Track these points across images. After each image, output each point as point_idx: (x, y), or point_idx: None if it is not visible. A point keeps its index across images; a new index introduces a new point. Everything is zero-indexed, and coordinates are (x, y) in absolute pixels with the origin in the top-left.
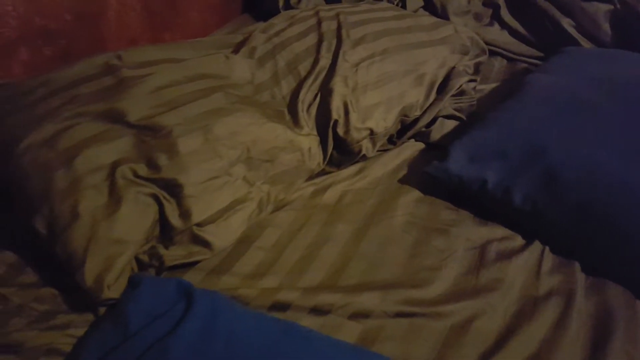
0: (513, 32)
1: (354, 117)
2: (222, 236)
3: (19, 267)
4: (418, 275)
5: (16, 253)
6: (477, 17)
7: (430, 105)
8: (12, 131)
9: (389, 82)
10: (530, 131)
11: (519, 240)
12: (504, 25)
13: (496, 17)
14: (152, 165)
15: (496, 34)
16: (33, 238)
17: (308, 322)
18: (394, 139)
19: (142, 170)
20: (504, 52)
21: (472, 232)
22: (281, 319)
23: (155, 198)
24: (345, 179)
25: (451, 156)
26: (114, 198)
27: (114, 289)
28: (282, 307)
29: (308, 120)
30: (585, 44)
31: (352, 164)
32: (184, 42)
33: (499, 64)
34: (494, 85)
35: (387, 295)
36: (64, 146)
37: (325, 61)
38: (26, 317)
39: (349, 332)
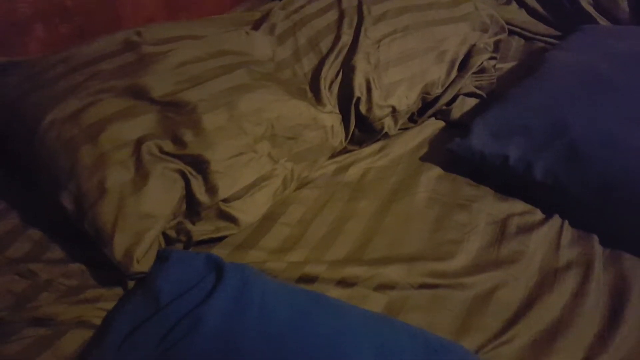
0: (531, 11)
1: (376, 94)
2: (248, 212)
3: (45, 243)
4: (441, 249)
5: (41, 230)
6: None
7: (452, 82)
8: (34, 108)
9: (410, 59)
10: (552, 107)
11: (539, 215)
12: (521, 3)
13: None
14: (177, 141)
15: (514, 12)
16: (58, 214)
17: (335, 293)
18: (415, 117)
19: (168, 146)
20: (522, 31)
21: (493, 207)
22: (310, 290)
23: (182, 174)
24: (367, 157)
25: (473, 133)
26: (141, 173)
27: (143, 263)
28: (310, 279)
29: (330, 98)
30: (603, 21)
31: (373, 142)
32: (202, 20)
33: (516, 43)
34: (512, 64)
35: (411, 267)
36: (89, 122)
37: (346, 38)
38: (55, 291)
39: (375, 303)
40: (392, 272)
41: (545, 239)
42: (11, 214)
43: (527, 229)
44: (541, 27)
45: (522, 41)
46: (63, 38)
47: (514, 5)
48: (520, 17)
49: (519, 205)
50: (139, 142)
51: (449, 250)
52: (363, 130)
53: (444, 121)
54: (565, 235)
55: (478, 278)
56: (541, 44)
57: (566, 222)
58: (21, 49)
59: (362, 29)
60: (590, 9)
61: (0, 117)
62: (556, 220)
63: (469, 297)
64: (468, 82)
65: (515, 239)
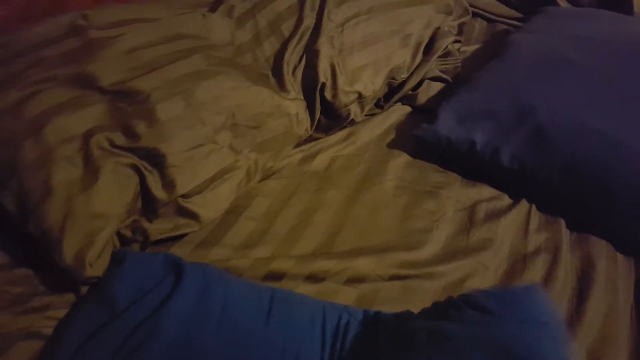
0: None
1: (341, 79)
2: (209, 207)
3: None
4: (410, 238)
5: None
6: None
7: (417, 67)
8: None
9: (375, 42)
10: (517, 91)
11: (506, 200)
12: None
13: None
14: (130, 133)
15: None
16: (1, 215)
17: (304, 289)
18: (381, 103)
19: (119, 139)
20: (485, 13)
21: (461, 194)
22: (276, 287)
23: (136, 169)
24: (334, 145)
25: (440, 118)
26: (90, 170)
27: (96, 267)
28: (277, 276)
29: (294, 84)
30: (563, 4)
31: (340, 129)
32: (154, 2)
33: (479, 25)
34: (475, 46)
35: (381, 259)
36: (31, 114)
37: (309, 20)
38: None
39: (346, 297)
40: (362, 265)
41: (514, 225)
42: None
43: (495, 215)
44: (503, 9)
45: (485, 23)
46: (2, 22)
47: None
48: None
49: (486, 191)
50: (87, 136)
51: (418, 239)
52: (329, 117)
53: (410, 106)
54: (533, 220)
55: (448, 267)
56: (504, 26)
57: (533, 206)
58: None
59: (325, 11)
60: None
61: None
62: (523, 205)
63: (440, 287)
64: (433, 66)
65: (484, 226)
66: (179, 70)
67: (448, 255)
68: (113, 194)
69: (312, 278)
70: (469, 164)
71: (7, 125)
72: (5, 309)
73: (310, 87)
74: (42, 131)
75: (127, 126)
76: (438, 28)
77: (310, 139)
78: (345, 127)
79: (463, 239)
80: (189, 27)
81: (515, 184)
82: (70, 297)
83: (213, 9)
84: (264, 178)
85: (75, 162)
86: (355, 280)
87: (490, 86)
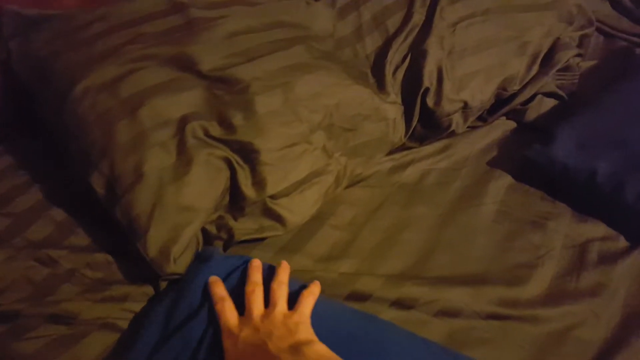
0: (615, 4)
1: (447, 85)
2: (296, 211)
3: (69, 226)
4: (511, 273)
5: (65, 209)
6: None
7: (532, 79)
8: (66, 71)
9: (489, 47)
10: None
11: (622, 242)
12: None
13: None
14: (225, 124)
15: (596, 4)
16: (86, 193)
17: (390, 315)
18: (484, 115)
19: (215, 129)
20: (602, 26)
21: (571, 228)
22: (362, 310)
23: (228, 162)
24: (428, 157)
25: (557, 140)
26: (184, 159)
27: (179, 262)
28: (362, 296)
29: (394, 86)
30: None
31: (436, 140)
32: None
33: (595, 39)
34: (592, 62)
35: (477, 293)
36: (128, 93)
37: (418, 17)
38: (77, 284)
39: (436, 332)
40: (456, 297)
41: (631, 272)
42: (33, 188)
43: (610, 258)
44: (625, 24)
45: (601, 37)
46: None
47: None
48: (603, 9)
49: (600, 229)
50: (182, 121)
51: (520, 275)
52: (426, 125)
53: (516, 122)
54: None
55: (554, 311)
56: (624, 43)
57: None
58: (55, 1)
59: (438, 8)
60: None
61: (29, 76)
62: None
63: (543, 333)
64: (549, 81)
65: (597, 269)
66: (280, 61)
67: (554, 297)
68: (203, 187)
69: (400, 304)
70: (583, 196)
71: (103, 102)
72: (83, 294)
73: (411, 90)
74: (138, 112)
75: (223, 116)
76: (558, 38)
77: (402, 148)
78: (442, 138)
79: (572, 281)
80: (291, 15)
81: (636, 226)
82: (149, 289)
83: None
84: (350, 185)
85: (169, 149)
86: (447, 313)
87: (621, 111)
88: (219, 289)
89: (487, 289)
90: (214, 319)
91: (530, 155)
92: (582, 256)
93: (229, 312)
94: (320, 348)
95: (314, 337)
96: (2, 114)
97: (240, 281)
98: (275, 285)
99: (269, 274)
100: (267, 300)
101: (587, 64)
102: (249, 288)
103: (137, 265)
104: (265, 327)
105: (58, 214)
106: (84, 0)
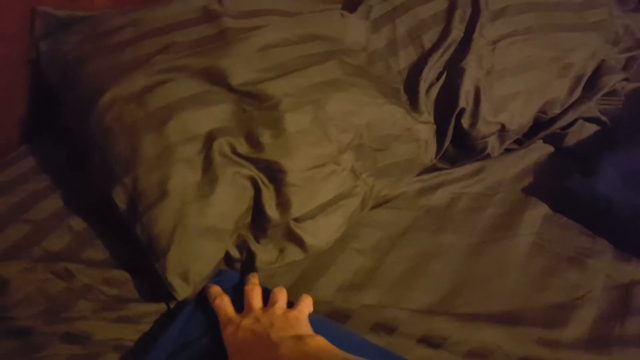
0: None
1: (485, 107)
2: (320, 236)
3: (86, 237)
4: (548, 313)
5: (85, 218)
6: None
7: (574, 103)
8: (94, 78)
9: (530, 68)
10: None
11: None
12: None
13: None
14: (253, 141)
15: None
16: (106, 204)
17: (416, 354)
18: (521, 138)
19: (242, 146)
20: None
21: (613, 268)
22: (387, 350)
23: (253, 182)
24: (459, 180)
25: (601, 172)
26: (209, 177)
27: (198, 287)
28: (388, 328)
29: (427, 104)
30: None
31: (468, 163)
32: None
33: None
34: (635, 85)
35: (511, 333)
36: (157, 105)
37: (456, 33)
38: (93, 300)
39: None
40: (488, 337)
41: None
42: (54, 195)
43: None
44: None
45: None
46: None
47: None
48: None
49: None
50: (209, 137)
51: (558, 316)
52: (459, 147)
53: (554, 146)
54: None
55: (597, 358)
56: None
57: None
58: (86, 2)
59: (478, 25)
60: None
61: (56, 79)
62: None
63: None
64: (592, 105)
65: None
66: (313, 77)
67: (597, 342)
68: (228, 208)
69: (427, 341)
70: (627, 234)
71: (130, 114)
72: (99, 312)
73: (445, 110)
74: (165, 126)
75: (252, 133)
76: (603, 60)
77: (431, 169)
78: (474, 160)
79: (615, 326)
80: (325, 28)
81: None
82: (164, 308)
83: (350, 8)
84: (375, 206)
85: (195, 166)
86: (478, 354)
87: None
88: (215, 288)
89: (522, 330)
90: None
91: (570, 186)
92: (626, 299)
93: (228, 305)
94: (322, 340)
95: (313, 333)
96: (28, 114)
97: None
98: (276, 289)
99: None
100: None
101: (631, 86)
102: (248, 287)
103: (154, 284)
104: (266, 318)
105: (77, 223)
106: (117, 0)
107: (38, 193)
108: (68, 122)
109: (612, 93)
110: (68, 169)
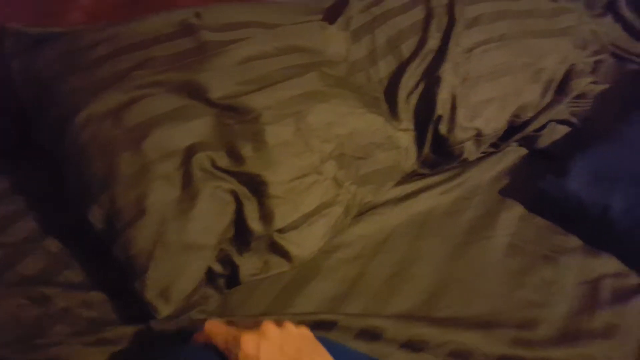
0: (628, 27)
1: (461, 113)
2: (304, 245)
3: (63, 258)
4: (523, 312)
5: (60, 239)
6: (590, 4)
7: (546, 106)
8: (69, 96)
9: (504, 74)
10: None
11: (634, 279)
12: (618, 17)
13: (612, 8)
14: (234, 155)
15: (607, 26)
16: (82, 223)
17: (400, 357)
18: (497, 142)
19: (222, 160)
20: (615, 49)
21: (583, 264)
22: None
23: (235, 195)
24: (439, 184)
25: (572, 172)
26: (189, 192)
27: (178, 307)
28: (373, 335)
29: (406, 112)
30: None
31: (447, 167)
32: (270, 3)
33: (606, 62)
34: (603, 86)
35: (488, 334)
36: (133, 122)
37: (433, 42)
38: (71, 324)
39: None
40: (468, 339)
41: None
42: (28, 216)
43: (622, 296)
44: (637, 46)
45: (612, 60)
46: (111, 8)
47: (609, 18)
48: (614, 32)
49: (612, 264)
50: (188, 152)
51: (532, 314)
52: (438, 153)
53: (528, 148)
54: None
55: (567, 353)
56: (635, 66)
57: None
58: (61, 18)
59: (454, 33)
60: None
61: (29, 96)
62: None
63: None
64: (563, 108)
65: (610, 308)
66: (293, 89)
67: (567, 338)
68: (209, 223)
69: (410, 346)
70: (596, 230)
71: (106, 131)
72: (77, 336)
73: (423, 117)
74: (142, 143)
75: (232, 146)
76: (573, 64)
77: (412, 175)
78: (453, 165)
79: (585, 320)
80: (305, 39)
81: None
82: (143, 329)
83: (327, 17)
84: (358, 214)
85: (174, 182)
86: (458, 355)
87: (637, 143)
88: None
89: (499, 331)
90: None
91: (543, 187)
92: (594, 294)
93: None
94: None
95: None
96: (1, 134)
97: None
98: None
99: None
100: None
101: (599, 87)
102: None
103: (134, 305)
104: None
105: (53, 244)
106: (92, 16)
107: (14, 214)
108: (41, 141)
109: (582, 95)
110: (43, 190)
